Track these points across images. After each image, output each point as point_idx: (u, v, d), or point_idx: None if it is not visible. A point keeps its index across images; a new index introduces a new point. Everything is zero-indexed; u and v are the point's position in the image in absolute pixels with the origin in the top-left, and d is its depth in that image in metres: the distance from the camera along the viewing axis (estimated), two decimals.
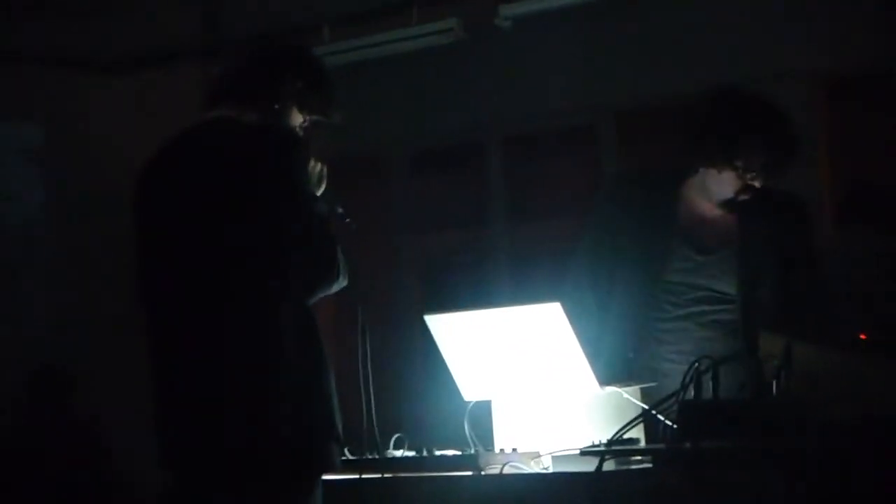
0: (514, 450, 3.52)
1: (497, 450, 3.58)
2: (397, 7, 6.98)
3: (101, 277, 7.49)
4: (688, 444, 3.08)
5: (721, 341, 3.96)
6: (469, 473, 3.48)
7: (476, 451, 3.58)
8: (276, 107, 3.41)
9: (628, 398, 3.52)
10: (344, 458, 3.44)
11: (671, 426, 3.22)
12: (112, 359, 7.33)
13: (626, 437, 3.29)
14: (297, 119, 3.46)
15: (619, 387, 3.56)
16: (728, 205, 4.02)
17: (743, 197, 4.00)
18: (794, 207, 4.10)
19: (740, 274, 4.00)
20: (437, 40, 6.91)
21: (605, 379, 3.60)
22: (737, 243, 4.04)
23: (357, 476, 3.53)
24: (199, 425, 3.24)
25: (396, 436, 3.67)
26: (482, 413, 3.79)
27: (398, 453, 3.65)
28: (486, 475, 3.46)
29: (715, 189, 4.01)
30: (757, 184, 3.97)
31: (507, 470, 3.45)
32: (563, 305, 3.51)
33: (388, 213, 7.60)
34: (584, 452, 3.30)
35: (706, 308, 4.02)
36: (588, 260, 4.17)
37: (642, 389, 3.58)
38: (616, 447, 3.27)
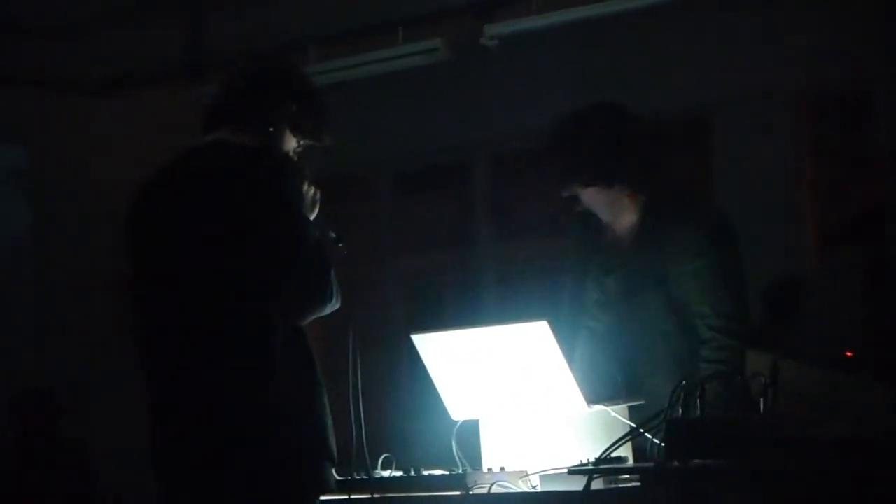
0: (502, 469, 3.51)
1: (485, 469, 3.58)
2: (383, 27, 7.00)
3: (87, 299, 7.47)
4: (676, 463, 3.08)
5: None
6: (457, 493, 3.47)
7: (464, 470, 3.58)
8: (271, 130, 3.42)
9: (616, 416, 3.53)
10: (333, 479, 3.43)
11: (659, 445, 3.22)
12: (98, 381, 7.32)
13: (614, 455, 3.29)
14: (291, 142, 3.46)
15: (607, 405, 3.56)
16: (577, 219, 4.09)
17: (575, 208, 4.04)
18: (691, 217, 4.02)
19: (621, 287, 4.03)
20: (423, 60, 6.92)
21: (593, 397, 3.60)
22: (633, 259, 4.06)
23: (346, 497, 3.53)
24: (193, 446, 3.24)
25: (384, 456, 3.67)
26: (470, 432, 3.79)
27: (386, 473, 3.65)
28: (474, 495, 3.45)
29: None
30: (566, 196, 4.01)
31: (494, 489, 3.44)
32: (551, 324, 3.52)
33: (373, 233, 7.61)
34: (573, 471, 3.29)
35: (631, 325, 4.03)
36: (568, 285, 4.21)
37: (630, 407, 3.58)
38: (604, 466, 3.26)
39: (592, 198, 4.01)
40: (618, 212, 4.03)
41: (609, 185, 4.00)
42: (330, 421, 3.28)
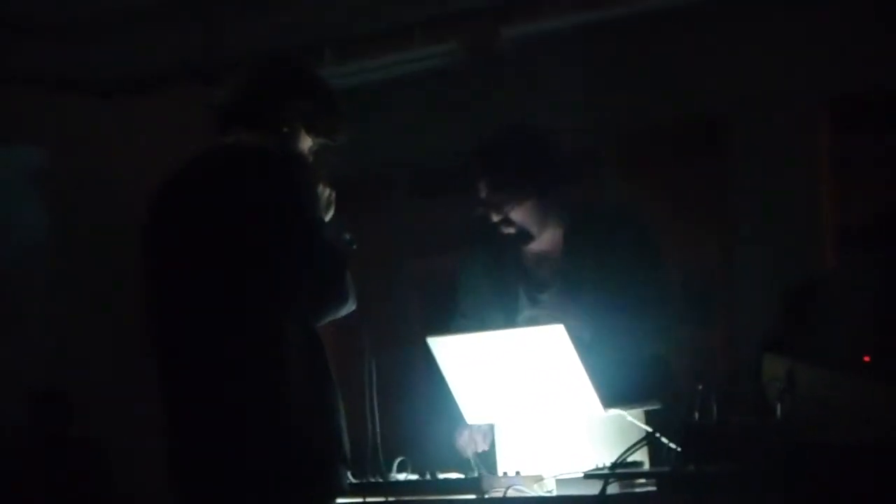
0: (518, 473, 3.51)
1: (500, 473, 3.57)
2: (399, 29, 6.99)
3: (104, 299, 7.48)
4: (692, 468, 3.07)
5: None
6: (472, 497, 3.47)
7: (479, 474, 3.57)
8: (285, 130, 3.41)
9: (632, 421, 3.52)
10: (348, 481, 3.43)
11: (675, 449, 3.20)
12: (113, 382, 7.33)
13: (630, 460, 3.28)
14: (306, 142, 3.45)
15: (623, 409, 3.55)
16: (506, 239, 4.04)
17: (505, 230, 4.00)
18: (621, 223, 4.07)
19: (563, 298, 3.99)
20: (440, 62, 6.92)
21: (609, 401, 3.59)
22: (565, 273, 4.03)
23: (361, 500, 3.52)
24: (207, 448, 3.24)
25: (400, 459, 3.66)
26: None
27: (401, 477, 3.64)
28: (489, 499, 3.45)
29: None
30: (496, 218, 3.98)
31: (510, 493, 3.43)
32: (567, 327, 3.51)
33: (389, 236, 7.60)
34: (588, 475, 3.29)
35: None
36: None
37: (646, 412, 3.57)
38: (620, 470, 3.25)
39: (526, 214, 4.00)
40: (547, 225, 4.03)
41: (544, 196, 4.00)
42: (344, 423, 3.28)
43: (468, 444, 3.86)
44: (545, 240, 4.06)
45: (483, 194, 4.00)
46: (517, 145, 4.04)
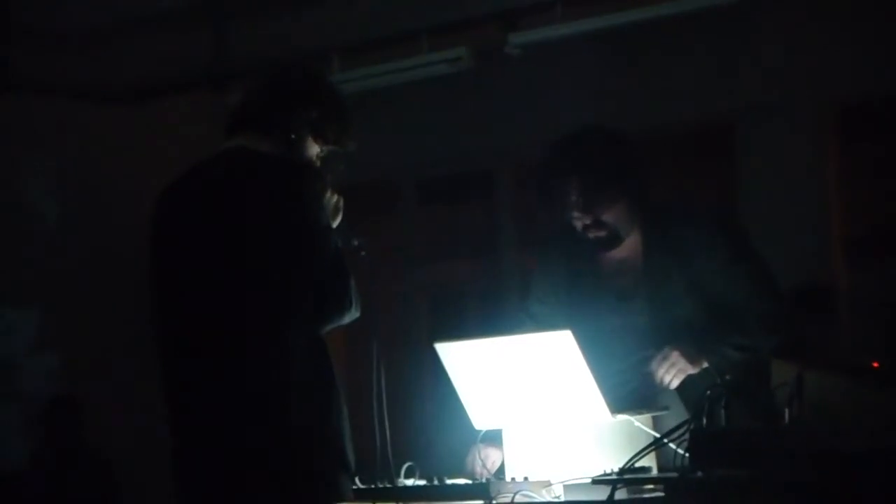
0: (526, 478, 3.50)
1: (508, 478, 3.57)
2: (407, 36, 7.01)
3: (114, 307, 7.49)
4: (700, 473, 3.07)
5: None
6: (480, 503, 3.46)
7: (487, 479, 3.57)
8: (292, 137, 3.41)
9: (640, 426, 3.51)
10: (355, 487, 3.43)
11: (683, 455, 3.20)
12: (123, 388, 7.34)
13: (638, 465, 3.28)
14: (314, 149, 3.45)
15: (631, 415, 3.55)
16: (594, 245, 3.96)
17: (594, 234, 3.91)
18: (700, 223, 3.95)
19: (651, 306, 3.92)
20: (447, 69, 6.93)
21: (617, 407, 3.59)
22: (647, 279, 3.95)
23: None
24: (211, 454, 3.24)
25: (407, 464, 3.66)
26: (493, 441, 3.78)
27: (409, 482, 3.64)
28: None
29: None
30: (587, 221, 3.88)
31: (518, 499, 3.43)
32: (574, 333, 3.50)
33: (397, 242, 7.61)
34: (596, 481, 3.28)
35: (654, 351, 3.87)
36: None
37: (654, 417, 3.57)
38: (628, 476, 3.25)
39: (618, 216, 3.92)
40: (632, 227, 3.97)
41: (634, 197, 3.93)
42: (348, 429, 3.28)
43: (478, 462, 3.83)
44: (625, 246, 3.97)
45: (573, 196, 3.88)
46: (608, 145, 3.93)
